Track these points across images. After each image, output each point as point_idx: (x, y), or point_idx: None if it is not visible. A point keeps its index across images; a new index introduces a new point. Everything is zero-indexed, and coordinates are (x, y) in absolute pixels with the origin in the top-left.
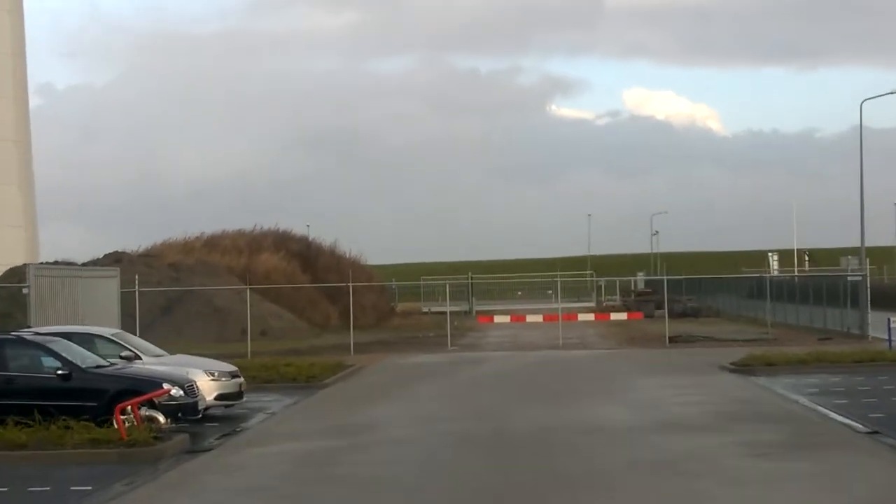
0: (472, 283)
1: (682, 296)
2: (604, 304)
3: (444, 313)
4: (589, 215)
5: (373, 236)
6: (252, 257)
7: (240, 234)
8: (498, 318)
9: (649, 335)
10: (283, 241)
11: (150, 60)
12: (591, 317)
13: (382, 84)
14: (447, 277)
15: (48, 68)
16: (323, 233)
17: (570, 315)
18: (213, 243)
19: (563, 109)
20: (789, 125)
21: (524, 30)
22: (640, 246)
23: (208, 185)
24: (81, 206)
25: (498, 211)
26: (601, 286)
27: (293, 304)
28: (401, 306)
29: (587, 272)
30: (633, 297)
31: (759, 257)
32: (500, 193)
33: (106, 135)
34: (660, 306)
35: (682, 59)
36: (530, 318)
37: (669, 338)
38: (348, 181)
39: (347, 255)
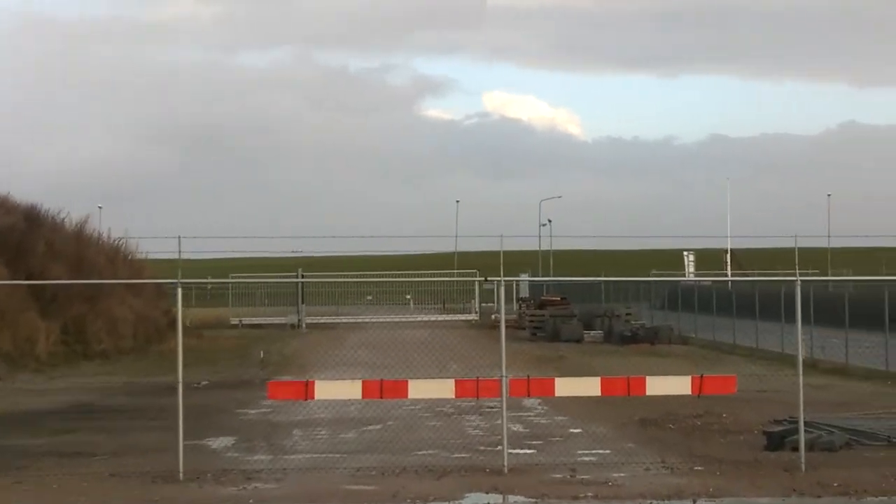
0: (302, 285)
1: (609, 306)
2: (495, 318)
3: (262, 326)
4: (457, 201)
5: (234, 234)
6: None
7: None
8: (323, 390)
9: (683, 421)
10: None
11: (12, 44)
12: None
13: (252, 78)
14: (261, 275)
15: None
16: (168, 231)
17: (540, 382)
18: None
19: (433, 110)
20: (649, 132)
21: (395, 28)
22: (512, 244)
23: (68, 177)
24: None
25: (367, 210)
26: (489, 291)
27: None
28: (203, 314)
29: (470, 271)
30: (530, 307)
31: (651, 257)
32: (370, 193)
33: None
34: (589, 325)
35: (546, 63)
36: (418, 392)
37: (769, 436)
38: (215, 177)
39: (107, 241)
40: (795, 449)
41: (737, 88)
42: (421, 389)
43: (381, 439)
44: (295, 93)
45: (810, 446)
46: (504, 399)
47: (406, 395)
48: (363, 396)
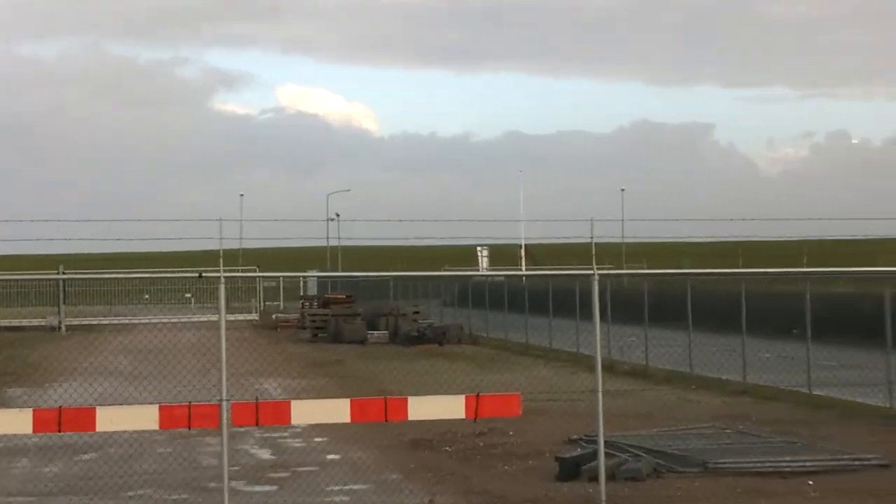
0: (64, 283)
1: (396, 304)
2: (277, 318)
3: (21, 328)
4: (241, 195)
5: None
6: None
7: None
8: None
9: (461, 441)
10: None
11: None
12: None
13: (38, 70)
14: (14, 273)
15: None
16: None
17: (272, 407)
18: None
19: (227, 104)
20: (447, 128)
21: (187, 19)
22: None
23: None
24: None
25: (156, 207)
26: (268, 288)
27: None
28: None
29: (251, 267)
30: (313, 306)
31: (445, 253)
32: (160, 189)
33: None
34: (374, 325)
35: (342, 57)
36: (108, 423)
37: (562, 462)
38: None
39: None
40: (594, 479)
41: (534, 86)
42: (113, 419)
43: (91, 473)
44: (82, 85)
45: (612, 475)
46: (224, 431)
47: (93, 428)
48: (34, 430)
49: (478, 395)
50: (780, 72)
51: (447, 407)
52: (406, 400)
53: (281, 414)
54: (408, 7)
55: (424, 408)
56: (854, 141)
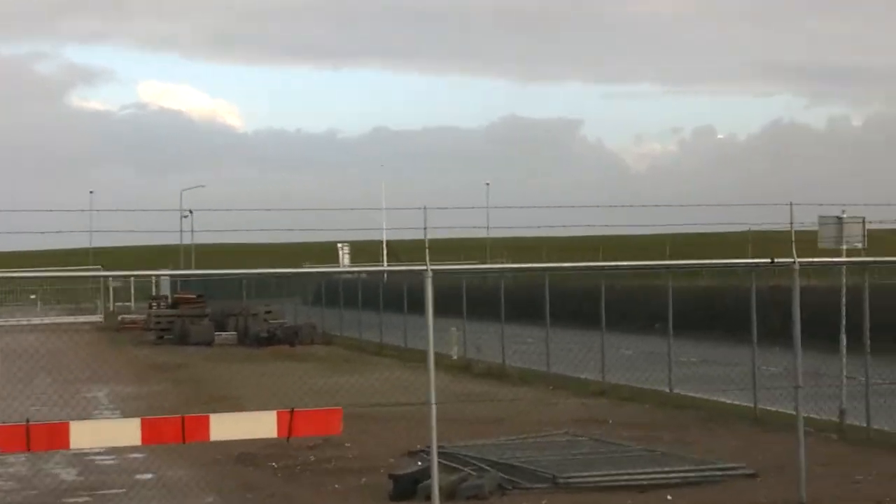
0: None
1: (247, 303)
2: (122, 319)
3: None
4: (91, 192)
5: None
6: None
7: None
8: None
9: (293, 455)
10: None
11: None
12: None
13: None
14: None
15: None
16: None
17: (39, 431)
18: None
19: (85, 100)
20: (313, 125)
21: (43, 13)
22: (160, 237)
23: None
24: None
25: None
26: (114, 289)
27: None
28: None
29: (95, 267)
30: (161, 306)
31: (307, 250)
32: (11, 188)
33: None
34: (223, 326)
35: (204, 54)
36: None
37: (396, 480)
38: None
39: None
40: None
41: (401, 83)
42: None
43: None
44: None
45: (451, 493)
46: None
47: None
48: None
49: (292, 411)
50: (646, 69)
51: (256, 425)
52: (207, 418)
53: (57, 437)
54: (271, 4)
55: (229, 427)
56: (720, 136)
